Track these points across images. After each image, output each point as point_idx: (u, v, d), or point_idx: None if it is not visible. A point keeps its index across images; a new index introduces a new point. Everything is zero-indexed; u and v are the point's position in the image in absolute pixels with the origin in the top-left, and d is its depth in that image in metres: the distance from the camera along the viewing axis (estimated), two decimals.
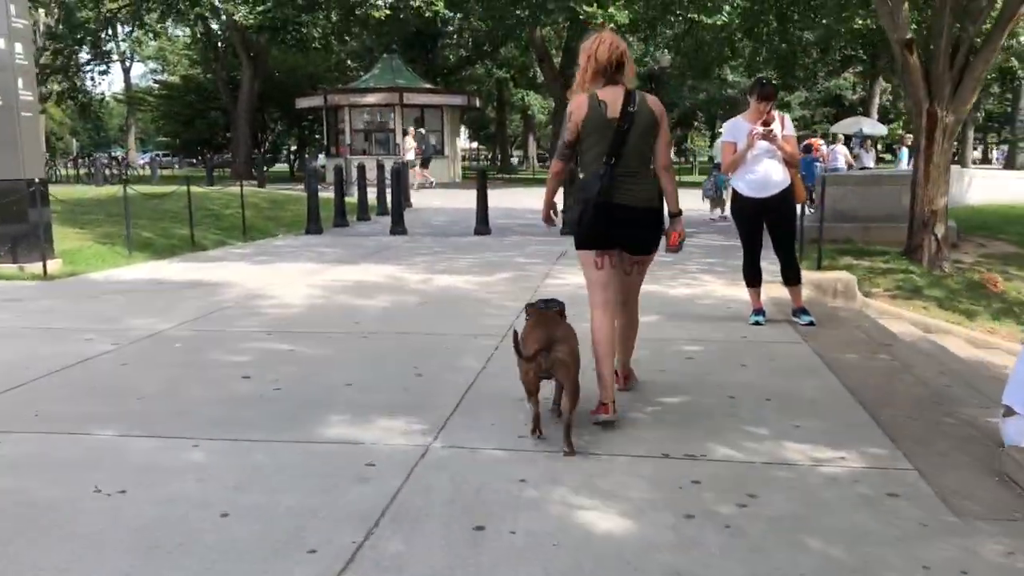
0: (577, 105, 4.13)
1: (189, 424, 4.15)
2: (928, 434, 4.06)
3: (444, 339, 6.03)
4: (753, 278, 6.63)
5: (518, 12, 26.87)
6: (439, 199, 22.96)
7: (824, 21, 24.37)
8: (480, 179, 14.14)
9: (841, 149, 21.09)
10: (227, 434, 3.99)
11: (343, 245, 12.31)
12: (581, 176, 4.29)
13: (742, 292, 7.65)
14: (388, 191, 17.18)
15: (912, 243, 10.69)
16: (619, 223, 4.18)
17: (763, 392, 4.69)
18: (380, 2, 25.98)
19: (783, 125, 6.37)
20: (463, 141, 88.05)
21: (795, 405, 4.47)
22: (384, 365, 5.31)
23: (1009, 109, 47.78)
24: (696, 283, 8.54)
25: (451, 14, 40.00)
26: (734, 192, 6.52)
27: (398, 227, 13.99)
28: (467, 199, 23.16)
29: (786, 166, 6.37)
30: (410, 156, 25.36)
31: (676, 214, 4.49)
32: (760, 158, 6.31)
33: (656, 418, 4.27)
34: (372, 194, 17.98)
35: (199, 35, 33.10)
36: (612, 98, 4.10)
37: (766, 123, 6.31)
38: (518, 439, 3.91)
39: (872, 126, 29.62)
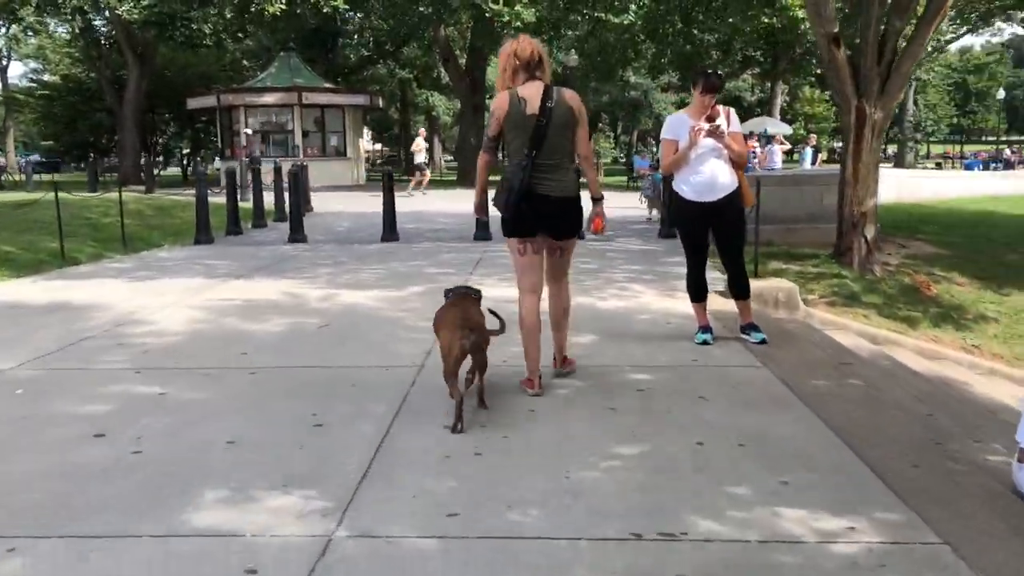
0: (499, 102, 4.42)
1: (3, 515, 3.14)
2: (940, 487, 3.38)
3: (349, 373, 5.11)
4: (698, 292, 5.92)
5: (421, 9, 25.93)
6: (341, 203, 21.83)
7: (731, 20, 24.23)
8: (385, 181, 13.18)
9: (779, 148, 20.89)
10: (57, 528, 3.01)
11: (235, 256, 11.20)
12: (505, 168, 4.50)
13: (678, 304, 7.00)
14: (286, 195, 16.09)
15: (841, 245, 10.25)
16: (540, 212, 4.44)
17: (734, 435, 3.95)
18: None
19: (728, 121, 5.68)
20: (366, 142, 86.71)
21: (775, 452, 3.75)
22: (275, 412, 4.37)
23: (898, 110, 49.25)
24: (627, 294, 7.83)
25: (350, 11, 38.81)
26: (676, 196, 5.80)
27: (297, 235, 12.92)
28: (371, 203, 22.10)
29: (733, 167, 5.69)
30: (420, 159, 24.10)
31: (598, 199, 4.76)
32: (705, 158, 5.60)
33: (617, 480, 3.46)
34: (269, 198, 16.82)
35: (77, 30, 30.94)
36: (532, 94, 4.36)
37: (711, 118, 5.61)
38: (447, 518, 3.06)
39: (776, 125, 29.79)
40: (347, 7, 25.94)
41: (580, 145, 4.56)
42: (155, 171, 33.86)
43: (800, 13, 23.53)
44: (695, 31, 28.36)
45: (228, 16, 27.85)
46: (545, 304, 4.77)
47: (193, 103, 31.11)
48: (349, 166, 30.45)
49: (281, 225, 15.64)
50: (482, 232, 12.86)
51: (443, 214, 18.22)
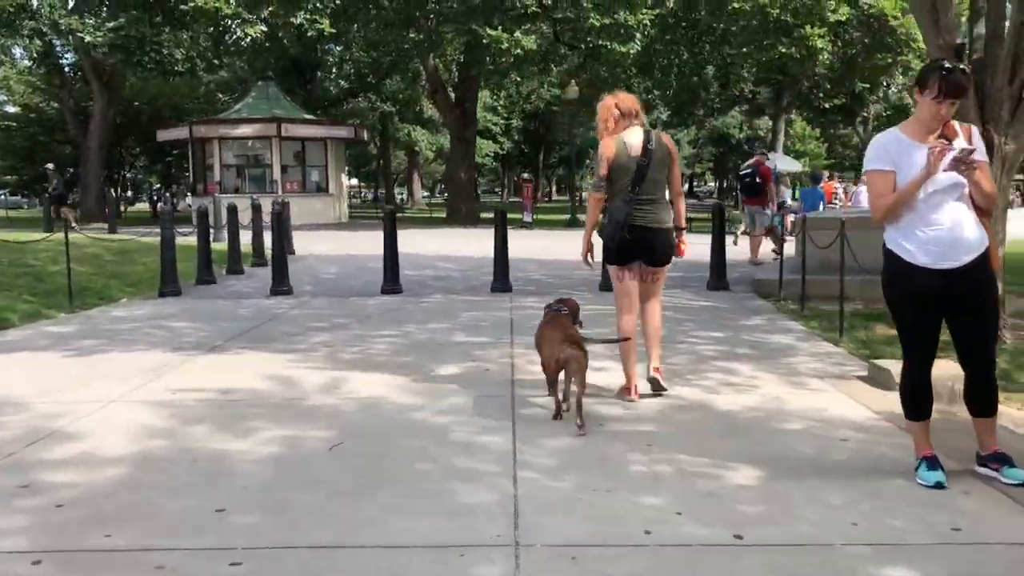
0: (606, 147, 5.10)
1: None
2: None
3: (394, 563, 3.03)
4: (923, 405, 3.90)
5: (412, 36, 24.07)
6: (325, 244, 19.74)
7: (744, 49, 22.65)
8: (389, 223, 11.11)
9: (865, 190, 19.22)
10: None
11: (208, 315, 9.07)
12: (609, 204, 5.18)
13: (820, 399, 5.10)
14: (267, 236, 14.05)
15: None
16: (639, 241, 5.10)
17: None
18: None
19: (970, 141, 3.73)
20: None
21: None
22: None
23: None
24: (737, 380, 5.80)
25: (334, 38, 37.03)
26: (895, 259, 3.81)
27: (281, 286, 10.82)
28: (358, 243, 20.05)
29: (978, 214, 3.74)
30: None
31: (682, 228, 5.36)
32: (941, 200, 3.66)
33: None
34: (246, 238, 14.73)
35: (35, 54, 28.76)
36: (634, 140, 5.06)
37: (946, 137, 3.67)
38: None
39: (786, 162, 28.11)
40: (332, 31, 23.96)
41: (674, 183, 5.26)
42: (121, 207, 31.66)
43: (819, 43, 21.99)
44: (695, 63, 26.87)
45: (203, 43, 25.90)
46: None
47: (164, 135, 29.02)
48: (331, 203, 28.42)
49: (260, 271, 13.54)
50: (501, 283, 10.87)
51: (441, 257, 16.20)
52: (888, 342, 7.34)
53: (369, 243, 19.23)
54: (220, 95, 42.11)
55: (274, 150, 26.97)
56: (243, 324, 8.42)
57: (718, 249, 11.01)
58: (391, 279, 10.88)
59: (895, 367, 5.62)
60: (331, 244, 19.70)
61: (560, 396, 4.76)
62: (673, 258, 5.33)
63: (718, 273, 10.97)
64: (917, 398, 3.86)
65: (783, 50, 21.74)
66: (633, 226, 5.03)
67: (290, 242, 16.91)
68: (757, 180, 14.32)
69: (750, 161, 15.46)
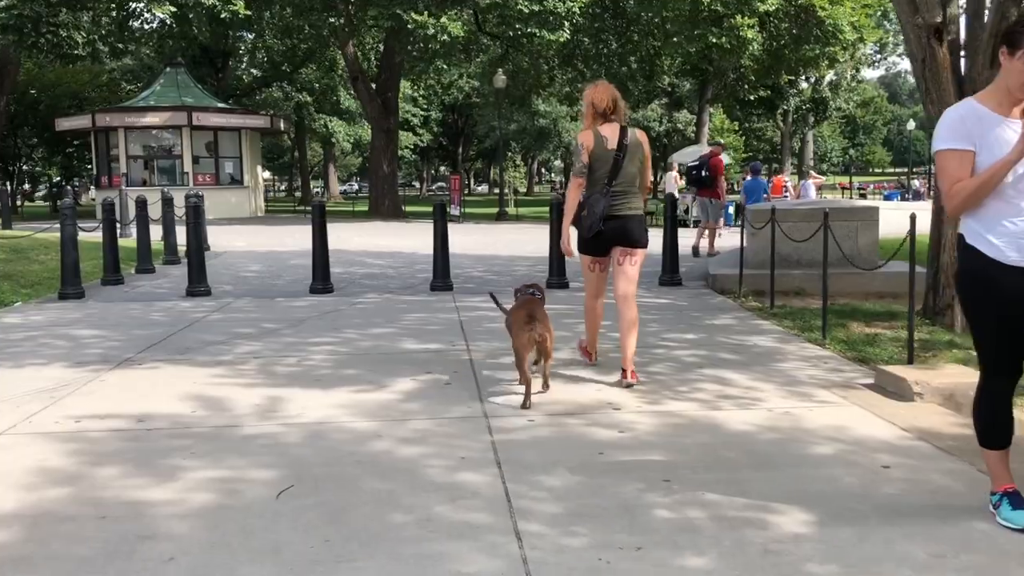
0: (586, 138, 5.31)
1: None
2: None
3: None
4: (1003, 432, 3.26)
5: (332, 20, 22.92)
6: (243, 239, 18.59)
7: (675, 39, 22.22)
8: (318, 216, 10.15)
9: (813, 183, 18.93)
10: None
11: (115, 321, 8.04)
12: (586, 195, 5.36)
13: (837, 415, 4.60)
14: (179, 232, 12.92)
15: (938, 301, 7.89)
16: (616, 229, 5.32)
17: None
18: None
19: None
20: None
21: None
22: None
23: (800, 141, 48.82)
24: (734, 392, 5.15)
25: (247, 29, 35.45)
26: (973, 254, 3.15)
27: (198, 285, 9.80)
28: (278, 238, 18.97)
29: None
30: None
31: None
32: None
33: None
34: (157, 235, 13.57)
35: None
36: (611, 133, 5.29)
37: None
38: None
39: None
40: (247, 13, 22.62)
41: (645, 176, 5.47)
42: (17, 202, 29.64)
43: (750, 33, 21.71)
44: (623, 53, 26.41)
45: (106, 24, 24.22)
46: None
47: (63, 124, 27.18)
48: (247, 196, 27.05)
49: (173, 270, 12.45)
50: (441, 281, 10.06)
51: (370, 253, 15.29)
52: (869, 342, 6.85)
53: (290, 238, 18.20)
54: (125, 84, 39.99)
55: (184, 140, 25.48)
56: (158, 331, 7.42)
57: (670, 243, 10.43)
58: (321, 277, 9.96)
59: (909, 374, 5.07)
60: (250, 239, 18.57)
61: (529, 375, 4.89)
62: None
63: (671, 268, 10.39)
64: (997, 423, 3.23)
65: (713, 40, 21.41)
66: (610, 216, 5.25)
67: (205, 238, 15.79)
68: (704, 173, 13.85)
69: (702, 153, 15.00)
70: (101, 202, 12.95)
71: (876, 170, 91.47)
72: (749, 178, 15.64)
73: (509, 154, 56.86)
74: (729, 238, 15.30)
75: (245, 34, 41.83)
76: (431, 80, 39.32)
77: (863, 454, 4.00)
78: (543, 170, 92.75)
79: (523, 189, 67.20)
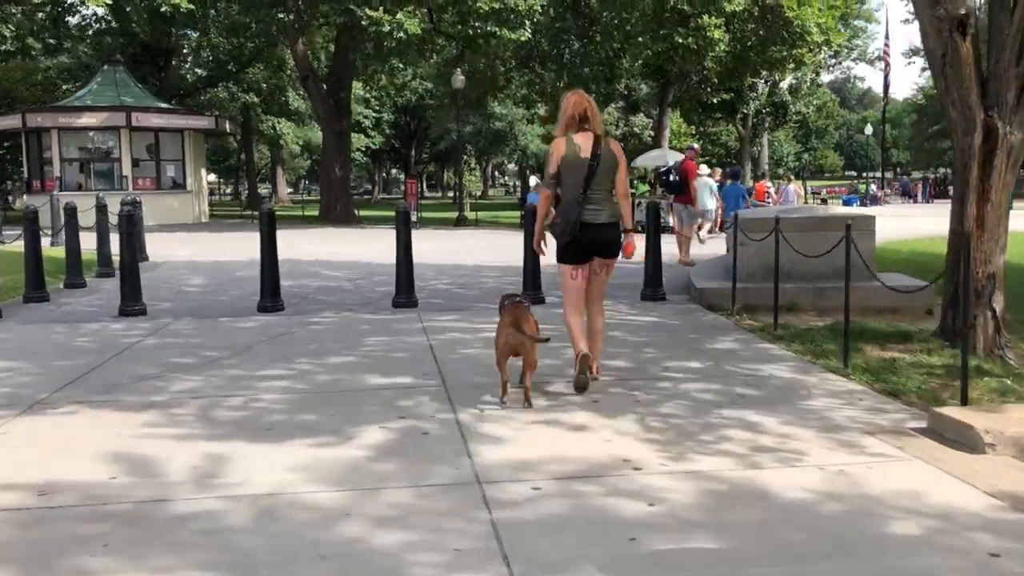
0: (558, 146, 5.33)
1: None
2: None
3: None
4: None
5: (281, 16, 21.81)
6: (185, 248, 17.45)
7: (640, 39, 21.53)
8: (266, 225, 9.15)
9: (795, 188, 18.31)
10: None
11: (32, 350, 7.00)
12: (560, 203, 5.36)
13: (907, 476, 3.71)
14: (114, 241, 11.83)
15: (955, 320, 7.17)
16: (591, 237, 5.30)
17: None
18: None
19: None
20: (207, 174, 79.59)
21: None
22: None
23: (757, 151, 48.56)
24: (767, 442, 4.34)
25: (191, 26, 34.04)
26: None
27: (132, 303, 8.76)
28: (223, 247, 17.76)
29: None
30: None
31: (630, 230, 5.51)
32: None
33: None
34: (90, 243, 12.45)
35: None
36: (584, 141, 5.28)
37: None
38: None
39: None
40: (191, 6, 21.40)
41: (620, 185, 5.45)
42: None
43: (717, 34, 21.10)
44: (584, 53, 25.71)
45: (40, 20, 22.80)
46: None
47: None
48: (190, 201, 25.77)
49: (107, 284, 11.37)
50: (405, 297, 9.17)
51: (323, 263, 14.31)
52: (890, 368, 6.12)
53: (236, 246, 17.05)
54: (62, 83, 38.21)
55: (123, 142, 24.13)
56: (82, 362, 6.41)
57: (653, 254, 9.66)
58: (271, 293, 9.00)
59: (975, 420, 4.32)
60: (192, 248, 17.42)
61: (508, 378, 5.06)
62: (620, 257, 5.53)
63: (654, 281, 9.62)
64: None
65: (680, 40, 20.74)
66: (584, 224, 5.24)
67: (143, 247, 14.67)
68: (673, 178, 13.14)
69: (677, 160, 14.31)
70: (24, 209, 11.80)
71: (826, 174, 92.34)
72: (729, 183, 14.93)
73: (465, 157, 55.83)
74: (707, 247, 14.61)
75: (189, 32, 40.43)
76: (383, 82, 38.19)
77: (956, 533, 3.21)
78: (496, 173, 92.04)
79: (478, 193, 66.47)
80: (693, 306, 9.19)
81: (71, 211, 11.96)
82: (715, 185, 14.49)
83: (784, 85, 37.66)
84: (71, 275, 11.16)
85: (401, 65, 26.70)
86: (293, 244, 18.57)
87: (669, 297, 9.62)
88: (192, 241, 19.16)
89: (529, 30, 22.05)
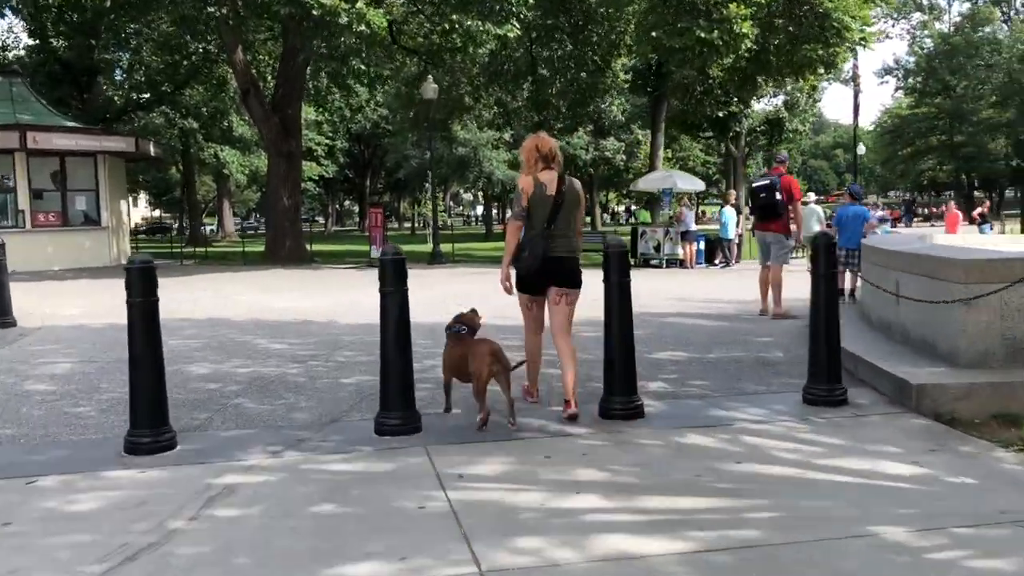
0: (526, 184, 5.53)
1: None
2: None
3: None
4: None
5: (212, 10, 17.62)
6: (81, 301, 13.11)
7: (654, 34, 17.79)
8: (139, 290, 4.93)
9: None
10: None
11: None
12: (525, 237, 5.51)
13: None
14: None
15: None
16: (553, 269, 5.50)
17: None
18: None
19: None
20: (140, 207, 74.16)
21: None
22: None
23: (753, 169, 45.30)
24: None
25: (118, 46, 29.84)
26: None
27: None
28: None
29: None
30: None
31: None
32: None
33: None
34: None
35: None
36: (549, 179, 5.51)
37: None
38: None
39: (688, 181, 23.42)
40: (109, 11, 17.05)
41: (578, 222, 5.67)
42: None
43: (745, 27, 17.35)
44: (579, 55, 21.94)
45: None
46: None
47: None
48: (105, 240, 21.22)
49: None
50: (398, 414, 5.04)
51: (262, 326, 10.17)
52: None
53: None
54: None
55: (19, 168, 19.59)
56: None
57: (826, 322, 5.64)
58: (149, 424, 4.80)
59: None
60: (88, 301, 13.04)
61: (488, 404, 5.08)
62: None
63: (830, 374, 5.61)
64: None
65: (703, 35, 16.94)
66: (548, 257, 5.43)
67: (5, 307, 10.38)
68: (780, 197, 9.25)
69: (767, 175, 10.38)
70: None
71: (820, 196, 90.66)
72: (848, 202, 10.97)
73: (426, 185, 51.71)
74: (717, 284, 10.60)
75: (120, 52, 36.01)
76: (337, 101, 34.04)
77: None
78: (451, 203, 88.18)
79: (451, 222, 62.57)
80: (897, 410, 5.22)
81: None
82: (821, 211, 10.53)
83: (779, 101, 34.52)
84: None
85: (363, 67, 22.50)
86: (228, 293, 14.31)
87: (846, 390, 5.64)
88: (94, 291, 14.77)
89: (518, 26, 18.12)
